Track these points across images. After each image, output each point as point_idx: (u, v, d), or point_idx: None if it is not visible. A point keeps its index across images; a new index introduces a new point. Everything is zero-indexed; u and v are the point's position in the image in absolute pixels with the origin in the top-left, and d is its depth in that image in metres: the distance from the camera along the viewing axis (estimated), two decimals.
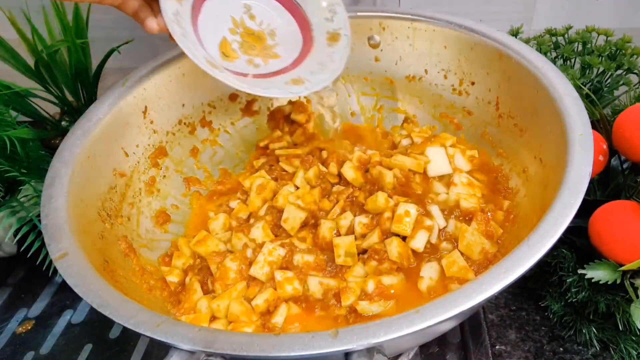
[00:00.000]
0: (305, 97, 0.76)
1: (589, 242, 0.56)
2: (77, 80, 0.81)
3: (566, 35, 0.77)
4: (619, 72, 0.73)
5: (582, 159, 0.48)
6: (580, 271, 0.54)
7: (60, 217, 0.52)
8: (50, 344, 0.67)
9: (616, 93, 0.74)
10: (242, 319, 0.54)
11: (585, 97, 0.65)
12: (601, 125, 0.64)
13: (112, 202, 0.62)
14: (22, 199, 0.70)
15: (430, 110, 0.78)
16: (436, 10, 0.72)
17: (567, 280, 0.57)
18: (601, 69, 0.73)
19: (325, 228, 0.61)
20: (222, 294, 0.56)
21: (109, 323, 0.68)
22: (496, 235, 0.57)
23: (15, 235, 0.68)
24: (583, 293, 0.56)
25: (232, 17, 0.63)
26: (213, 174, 0.78)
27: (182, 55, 0.69)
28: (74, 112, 0.84)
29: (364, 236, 0.60)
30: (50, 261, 0.51)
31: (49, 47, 0.76)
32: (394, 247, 0.56)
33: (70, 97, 0.83)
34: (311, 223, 0.64)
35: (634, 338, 0.56)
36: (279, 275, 0.57)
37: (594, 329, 0.58)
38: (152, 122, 0.71)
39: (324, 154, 0.70)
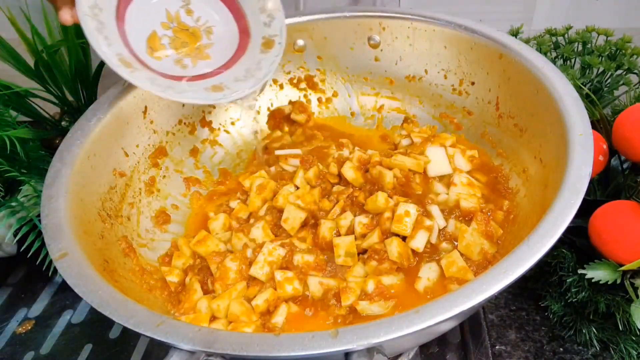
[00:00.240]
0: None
1: (589, 242, 0.56)
2: (77, 80, 0.81)
3: (566, 35, 0.78)
4: (619, 72, 0.73)
5: (582, 159, 0.48)
6: (580, 271, 0.54)
7: (60, 217, 0.52)
8: (50, 344, 0.67)
9: (616, 93, 0.74)
10: (242, 319, 0.54)
11: (585, 97, 0.65)
12: (601, 125, 0.64)
13: (112, 202, 0.62)
14: (22, 199, 0.70)
15: (430, 110, 0.78)
16: (436, 10, 0.72)
17: (567, 280, 0.57)
18: (601, 69, 0.73)
19: (325, 228, 0.61)
20: (222, 294, 0.56)
21: (109, 323, 0.68)
22: (496, 236, 0.57)
23: (15, 235, 0.68)
24: (583, 293, 0.56)
25: (167, 10, 0.60)
26: (213, 174, 0.78)
27: None
28: (74, 112, 0.84)
29: (364, 236, 0.60)
30: (50, 261, 0.52)
31: (49, 47, 0.76)
32: (394, 247, 0.56)
33: (70, 97, 0.83)
34: (311, 223, 0.64)
35: (634, 338, 0.56)
36: (279, 275, 0.57)
37: (594, 329, 0.58)
38: (152, 122, 0.71)
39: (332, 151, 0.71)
